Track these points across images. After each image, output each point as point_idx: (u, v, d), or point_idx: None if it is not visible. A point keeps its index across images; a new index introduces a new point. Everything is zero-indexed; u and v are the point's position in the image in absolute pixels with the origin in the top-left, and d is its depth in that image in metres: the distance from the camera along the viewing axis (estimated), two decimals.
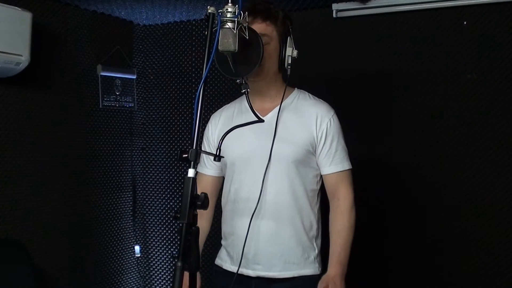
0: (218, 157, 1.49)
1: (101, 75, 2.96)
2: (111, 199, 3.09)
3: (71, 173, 2.78)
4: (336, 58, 2.70)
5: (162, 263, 3.30)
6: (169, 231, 3.28)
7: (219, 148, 1.51)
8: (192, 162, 1.30)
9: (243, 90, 1.70)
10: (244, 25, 1.55)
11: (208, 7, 1.42)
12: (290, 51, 1.83)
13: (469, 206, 2.44)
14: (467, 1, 2.39)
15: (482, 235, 2.41)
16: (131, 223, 3.26)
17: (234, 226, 1.89)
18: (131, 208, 3.26)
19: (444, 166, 2.48)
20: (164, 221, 3.28)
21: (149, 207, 3.32)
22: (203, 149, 2.03)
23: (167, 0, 2.67)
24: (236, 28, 1.48)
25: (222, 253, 1.98)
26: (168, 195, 3.27)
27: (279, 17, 1.85)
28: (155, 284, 3.31)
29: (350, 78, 2.66)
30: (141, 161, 3.32)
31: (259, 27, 1.78)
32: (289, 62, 1.83)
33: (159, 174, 3.28)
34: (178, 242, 1.27)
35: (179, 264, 1.23)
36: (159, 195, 3.29)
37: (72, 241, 2.79)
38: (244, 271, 1.84)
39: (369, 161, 2.53)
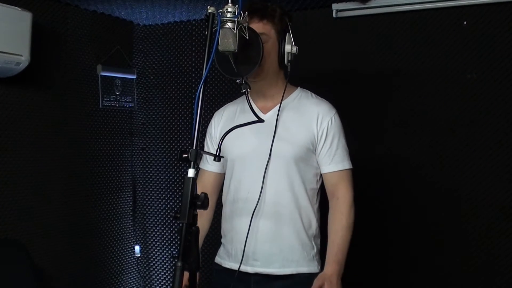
0: (218, 157, 1.50)
1: (101, 75, 2.96)
2: (111, 199, 3.09)
3: (71, 173, 2.78)
4: (336, 58, 2.70)
5: (162, 263, 3.30)
6: (169, 231, 3.28)
7: (219, 148, 1.51)
8: (192, 162, 1.30)
9: (243, 90, 1.71)
10: (244, 25, 1.55)
11: (208, 7, 1.43)
12: (289, 48, 1.82)
13: (469, 206, 2.44)
14: (467, 1, 2.39)
15: (482, 235, 2.41)
16: (131, 223, 3.26)
17: (234, 224, 1.90)
18: (131, 208, 3.26)
19: (444, 166, 2.48)
20: (164, 221, 3.28)
21: (149, 207, 3.32)
22: (205, 145, 2.05)
23: (167, 0, 2.67)
24: (236, 28, 1.48)
25: (221, 250, 1.98)
26: (168, 195, 3.27)
27: (277, 15, 1.84)
28: (155, 284, 3.31)
29: (350, 78, 2.66)
30: (141, 161, 3.32)
31: (256, 26, 1.78)
32: (289, 59, 1.83)
33: (159, 174, 3.28)
34: (178, 242, 1.27)
35: (179, 264, 1.23)
36: (159, 195, 3.29)
37: (72, 241, 2.79)
38: (242, 267, 1.85)
39: (368, 161, 2.53)
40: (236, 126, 1.64)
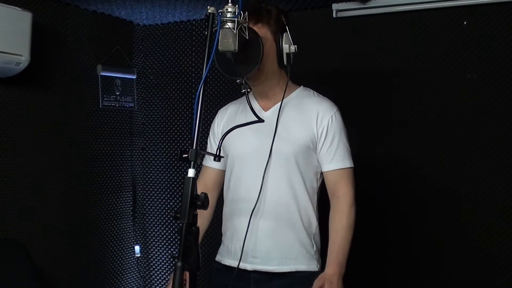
0: (218, 157, 1.50)
1: (101, 75, 2.96)
2: (111, 199, 3.09)
3: (71, 173, 2.78)
4: (336, 58, 2.70)
5: (162, 263, 3.30)
6: (169, 231, 3.28)
7: (218, 148, 1.52)
8: (192, 162, 1.30)
9: (243, 90, 1.71)
10: (244, 25, 1.55)
11: (208, 7, 1.42)
12: (287, 48, 1.82)
13: (469, 205, 2.44)
14: (467, 1, 2.39)
15: (482, 235, 2.41)
16: (131, 223, 3.26)
17: (234, 222, 1.90)
18: (131, 208, 3.26)
19: (444, 166, 2.48)
20: (164, 221, 3.28)
21: (149, 207, 3.32)
22: (208, 142, 2.06)
23: (167, 0, 2.67)
24: (236, 28, 1.48)
25: (222, 248, 1.99)
26: (168, 195, 3.27)
27: (272, 16, 1.83)
28: (155, 284, 3.31)
29: (350, 78, 2.66)
30: (141, 161, 3.32)
31: None
32: (288, 58, 1.83)
33: (159, 174, 3.28)
34: (178, 242, 1.27)
35: (179, 264, 1.23)
36: (159, 195, 3.29)
37: (72, 241, 2.79)
38: (241, 265, 1.84)
39: (368, 160, 2.52)
40: (236, 126, 1.64)
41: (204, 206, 1.29)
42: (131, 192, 3.26)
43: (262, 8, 1.83)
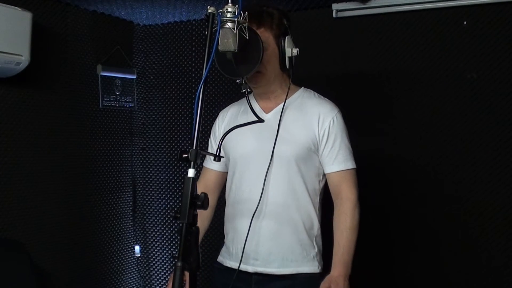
0: (218, 157, 1.50)
1: (101, 75, 2.96)
2: (111, 199, 3.09)
3: (71, 173, 2.78)
4: (336, 58, 2.70)
5: (162, 263, 3.30)
6: (169, 231, 3.28)
7: (218, 148, 1.52)
8: (192, 162, 1.30)
9: (243, 90, 1.71)
10: (244, 25, 1.55)
11: (208, 7, 1.42)
12: (290, 52, 1.82)
13: (470, 205, 2.44)
14: (467, 1, 2.39)
15: (483, 234, 2.41)
16: (131, 223, 3.26)
17: (235, 224, 1.90)
18: (131, 208, 3.26)
19: (445, 166, 2.48)
20: (164, 221, 3.28)
21: (149, 207, 3.32)
22: (209, 143, 2.05)
23: (167, 0, 2.67)
24: (236, 28, 1.48)
25: (223, 250, 1.99)
26: (168, 195, 3.27)
27: (274, 19, 1.83)
28: (155, 284, 3.31)
29: (350, 78, 2.66)
30: (141, 161, 3.32)
31: None
32: (291, 62, 1.83)
33: (159, 174, 3.28)
34: (178, 242, 1.27)
35: (179, 264, 1.23)
36: (159, 195, 3.29)
37: (72, 241, 2.78)
38: (243, 266, 1.85)
39: (369, 161, 2.52)
40: (236, 126, 1.64)
41: (204, 206, 1.29)
42: (131, 192, 3.26)
43: (264, 12, 1.82)
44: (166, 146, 3.26)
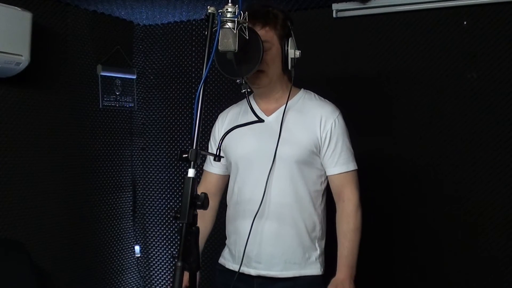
0: (218, 157, 1.49)
1: (101, 75, 2.96)
2: (111, 199, 3.09)
3: (71, 173, 2.78)
4: (336, 58, 2.70)
5: (162, 263, 3.30)
6: (169, 231, 3.28)
7: (219, 148, 1.52)
8: (192, 162, 1.30)
9: (243, 90, 1.70)
10: (244, 25, 1.55)
11: (208, 7, 1.42)
12: (293, 53, 1.82)
13: (470, 205, 2.43)
14: (467, 1, 2.39)
15: (483, 234, 2.41)
16: (131, 223, 3.26)
17: (237, 226, 1.90)
18: (131, 208, 3.26)
19: (445, 166, 2.48)
20: (164, 221, 3.28)
21: (149, 207, 3.32)
22: (209, 147, 2.05)
23: (167, 0, 2.67)
24: (236, 28, 1.48)
25: (225, 252, 1.98)
26: (168, 195, 3.27)
27: (279, 20, 1.83)
28: (155, 284, 3.31)
29: (350, 78, 2.66)
30: (141, 161, 3.32)
31: (259, 33, 1.77)
32: (293, 63, 1.83)
33: (159, 174, 3.28)
34: (178, 242, 1.27)
35: (179, 264, 1.23)
36: (159, 195, 3.29)
37: (72, 241, 2.79)
38: (245, 270, 1.85)
39: (369, 161, 2.52)
40: (236, 126, 1.64)
41: (204, 206, 1.29)
42: (131, 192, 3.26)
43: (269, 12, 1.83)
44: (166, 146, 3.26)
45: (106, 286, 3.04)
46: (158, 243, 3.29)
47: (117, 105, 3.12)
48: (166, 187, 3.27)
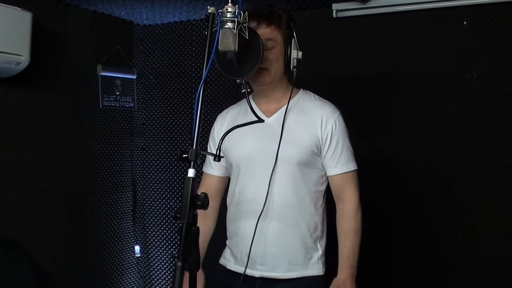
0: (218, 157, 1.49)
1: (101, 75, 2.96)
2: (111, 199, 3.09)
3: (71, 173, 2.78)
4: (336, 58, 2.70)
5: (162, 263, 3.30)
6: (169, 231, 3.28)
7: (219, 148, 1.51)
8: (192, 162, 1.30)
9: (243, 90, 1.70)
10: (244, 25, 1.55)
11: (208, 7, 1.43)
12: (295, 53, 1.83)
13: (471, 205, 2.44)
14: (467, 1, 2.39)
15: (483, 234, 2.41)
16: (131, 223, 3.26)
17: (239, 227, 1.89)
18: (131, 208, 3.26)
19: (445, 166, 2.48)
20: (164, 221, 3.28)
21: (149, 207, 3.32)
22: (208, 148, 2.04)
23: (167, 0, 2.67)
24: (236, 28, 1.48)
25: (226, 252, 1.98)
26: (168, 195, 3.27)
27: (283, 20, 1.85)
28: (155, 284, 3.31)
29: (350, 78, 2.66)
30: (141, 161, 3.32)
31: (264, 32, 1.79)
32: (295, 64, 1.83)
33: (159, 174, 3.28)
34: (178, 242, 1.27)
35: (179, 264, 1.23)
36: (159, 195, 3.29)
37: (72, 241, 2.79)
38: (248, 271, 1.84)
39: (369, 161, 2.52)
40: (236, 126, 1.63)
41: (204, 206, 1.29)
42: (131, 192, 3.26)
43: (274, 12, 1.85)
44: (166, 146, 3.26)
45: (106, 286, 3.04)
46: (158, 243, 3.29)
47: (117, 105, 3.12)
48: (166, 187, 3.27)
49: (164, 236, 3.28)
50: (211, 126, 2.06)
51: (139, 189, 3.32)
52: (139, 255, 3.29)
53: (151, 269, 3.32)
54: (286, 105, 1.86)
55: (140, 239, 3.31)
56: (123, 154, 3.19)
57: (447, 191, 2.48)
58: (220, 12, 1.45)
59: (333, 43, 2.70)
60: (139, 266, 3.30)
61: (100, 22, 2.95)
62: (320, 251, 1.88)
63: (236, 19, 1.47)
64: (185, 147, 3.18)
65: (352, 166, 1.87)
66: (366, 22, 2.61)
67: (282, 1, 2.58)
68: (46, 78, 2.62)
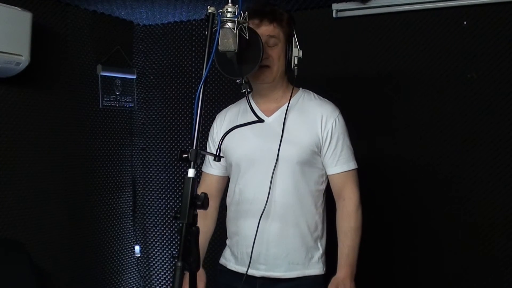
0: (218, 157, 1.49)
1: (101, 75, 2.96)
2: (111, 199, 3.09)
3: (71, 173, 2.78)
4: (336, 58, 2.70)
5: (162, 263, 3.30)
6: (169, 231, 3.28)
7: (219, 148, 1.51)
8: (192, 162, 1.30)
9: (243, 90, 1.70)
10: (244, 25, 1.55)
11: (208, 7, 1.42)
12: (297, 52, 1.83)
13: (471, 205, 2.44)
14: (467, 1, 2.39)
15: (483, 234, 2.41)
16: (131, 223, 3.26)
17: (239, 226, 1.89)
18: (131, 208, 3.26)
19: (445, 166, 2.48)
20: (164, 221, 3.28)
21: (149, 207, 3.32)
22: (208, 148, 2.04)
23: (167, 0, 2.67)
24: (236, 28, 1.48)
25: (227, 252, 1.98)
26: (168, 195, 3.27)
27: (284, 19, 1.86)
28: (155, 284, 3.31)
29: (350, 78, 2.66)
30: (141, 161, 3.32)
31: (266, 29, 1.79)
32: (296, 62, 1.84)
33: (159, 174, 3.28)
34: (178, 242, 1.27)
35: (179, 264, 1.23)
36: (159, 195, 3.29)
37: (72, 241, 2.79)
38: (249, 271, 1.84)
39: (369, 161, 2.52)
40: (236, 126, 1.63)
41: (204, 206, 1.29)
42: (131, 192, 3.26)
43: (276, 11, 1.85)
44: (166, 146, 3.26)
45: (106, 286, 3.04)
46: (158, 243, 3.29)
47: (117, 105, 3.12)
48: (166, 187, 3.27)
49: (164, 236, 3.28)
50: (211, 126, 2.06)
51: (139, 189, 3.32)
52: (139, 255, 3.29)
53: (151, 269, 3.32)
54: (287, 104, 1.86)
55: (140, 239, 3.31)
56: (123, 154, 3.19)
57: (447, 191, 2.49)
58: (220, 12, 1.45)
59: (333, 43, 2.70)
60: (139, 266, 3.30)
61: (100, 22, 2.95)
62: (320, 251, 1.88)
63: (236, 19, 1.47)
64: (185, 147, 3.18)
65: (352, 165, 1.87)
66: (366, 22, 2.61)
67: (282, 1, 2.58)
68: (46, 78, 2.62)
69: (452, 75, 2.46)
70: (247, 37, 1.57)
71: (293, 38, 1.84)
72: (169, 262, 3.27)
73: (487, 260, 2.41)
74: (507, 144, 2.36)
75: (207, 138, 2.06)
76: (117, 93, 3.11)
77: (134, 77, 3.23)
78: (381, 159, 2.60)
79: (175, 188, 3.25)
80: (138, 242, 3.30)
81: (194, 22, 3.13)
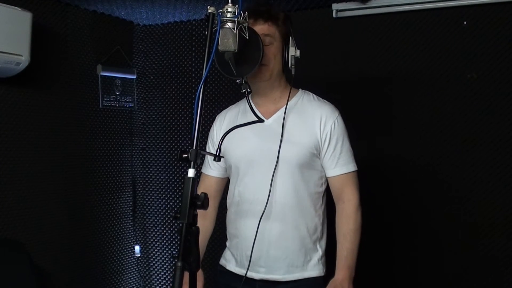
0: (218, 158, 1.49)
1: (101, 75, 2.97)
2: (111, 199, 3.09)
3: (71, 173, 2.78)
4: (336, 58, 2.70)
5: (162, 263, 3.30)
6: (169, 231, 3.28)
7: (218, 148, 1.51)
8: (192, 162, 1.30)
9: (243, 90, 1.70)
10: (244, 25, 1.55)
11: (208, 7, 1.42)
12: (293, 51, 1.82)
13: (471, 205, 2.44)
14: (467, 1, 2.39)
15: (483, 234, 2.41)
16: (131, 223, 3.26)
17: (238, 228, 1.89)
18: (131, 208, 3.26)
19: (445, 166, 2.48)
20: (164, 221, 3.28)
21: (149, 207, 3.32)
22: (207, 149, 2.03)
23: (167, 0, 2.67)
24: (236, 28, 1.48)
25: (227, 253, 1.98)
26: (168, 195, 3.27)
27: (280, 18, 1.85)
28: (155, 284, 3.31)
29: (350, 78, 2.66)
30: (141, 161, 3.32)
31: (261, 28, 1.78)
32: (293, 62, 1.83)
33: (159, 174, 3.28)
34: (178, 242, 1.27)
35: (179, 264, 1.23)
36: (159, 195, 3.29)
37: (72, 241, 2.79)
38: (248, 273, 1.83)
39: (369, 161, 2.52)
40: (236, 126, 1.63)
41: (204, 206, 1.29)
42: (131, 192, 3.26)
43: (271, 10, 1.85)
44: (166, 146, 3.26)
45: (106, 286, 3.04)
46: (158, 243, 3.29)
47: (117, 105, 3.12)
48: (166, 187, 3.27)
49: (164, 236, 3.28)
50: (211, 126, 2.06)
51: (139, 189, 3.32)
52: (139, 255, 3.29)
53: (151, 269, 3.32)
54: (285, 106, 1.85)
55: (140, 239, 3.31)
56: (123, 154, 3.19)
57: (447, 191, 2.49)
58: (220, 12, 1.45)
59: (333, 43, 2.70)
60: (139, 266, 3.30)
61: (100, 22, 2.95)
62: (320, 252, 1.87)
63: (236, 19, 1.47)
64: (185, 147, 3.19)
65: (352, 167, 1.86)
66: (366, 22, 2.61)
67: (282, 1, 2.58)
68: (46, 78, 2.62)
69: (452, 75, 2.46)
70: (247, 37, 1.57)
71: (290, 38, 1.83)
72: (169, 262, 3.27)
73: (487, 260, 2.41)
74: (507, 144, 2.36)
75: (207, 139, 2.06)
76: (117, 93, 3.11)
77: (134, 77, 3.23)
78: (381, 159, 2.60)
79: (175, 188, 3.25)
80: (138, 242, 3.30)
81: (194, 22, 3.13)
